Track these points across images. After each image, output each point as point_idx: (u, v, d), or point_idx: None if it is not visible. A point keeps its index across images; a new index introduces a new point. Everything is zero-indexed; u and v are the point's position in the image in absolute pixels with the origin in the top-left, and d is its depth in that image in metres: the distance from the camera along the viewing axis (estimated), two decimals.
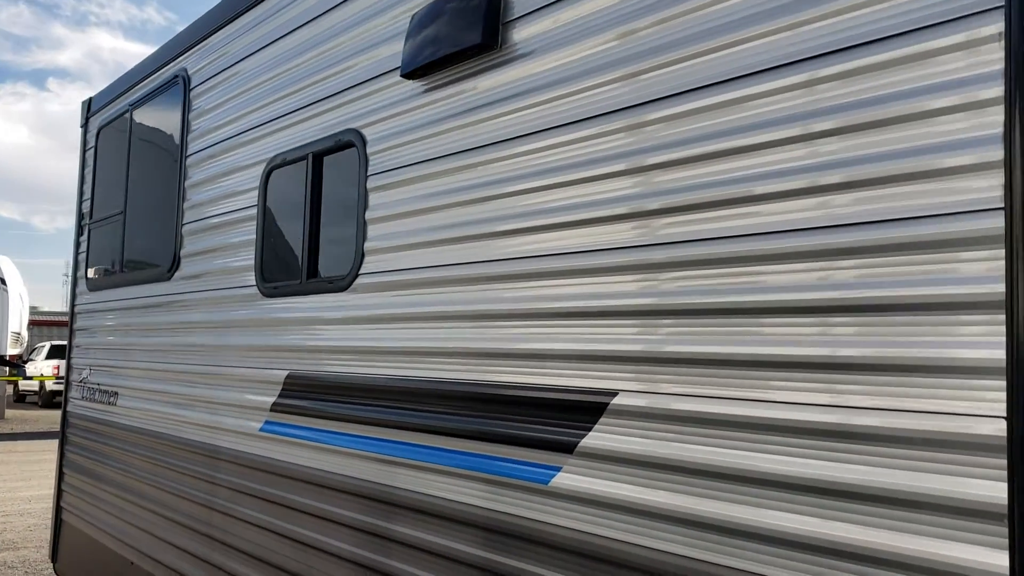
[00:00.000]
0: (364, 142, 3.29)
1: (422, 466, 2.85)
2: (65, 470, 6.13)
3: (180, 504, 4.33)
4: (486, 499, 2.57)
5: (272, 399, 3.67)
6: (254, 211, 3.97)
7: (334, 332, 3.35)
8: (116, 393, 5.32)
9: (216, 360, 4.15)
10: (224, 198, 4.27)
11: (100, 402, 5.55)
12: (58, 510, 6.16)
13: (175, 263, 4.67)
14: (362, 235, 3.25)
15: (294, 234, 3.69)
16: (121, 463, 5.12)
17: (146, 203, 5.24)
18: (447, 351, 2.79)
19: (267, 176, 3.89)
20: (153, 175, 5.20)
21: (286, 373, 3.60)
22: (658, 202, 2.18)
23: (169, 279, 4.72)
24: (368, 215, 3.24)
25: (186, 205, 4.65)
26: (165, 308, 4.74)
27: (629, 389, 2.18)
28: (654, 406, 2.13)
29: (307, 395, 3.47)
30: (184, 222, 4.65)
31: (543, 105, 2.57)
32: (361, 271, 3.23)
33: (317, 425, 3.39)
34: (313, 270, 3.55)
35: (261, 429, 3.74)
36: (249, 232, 3.99)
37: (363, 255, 3.23)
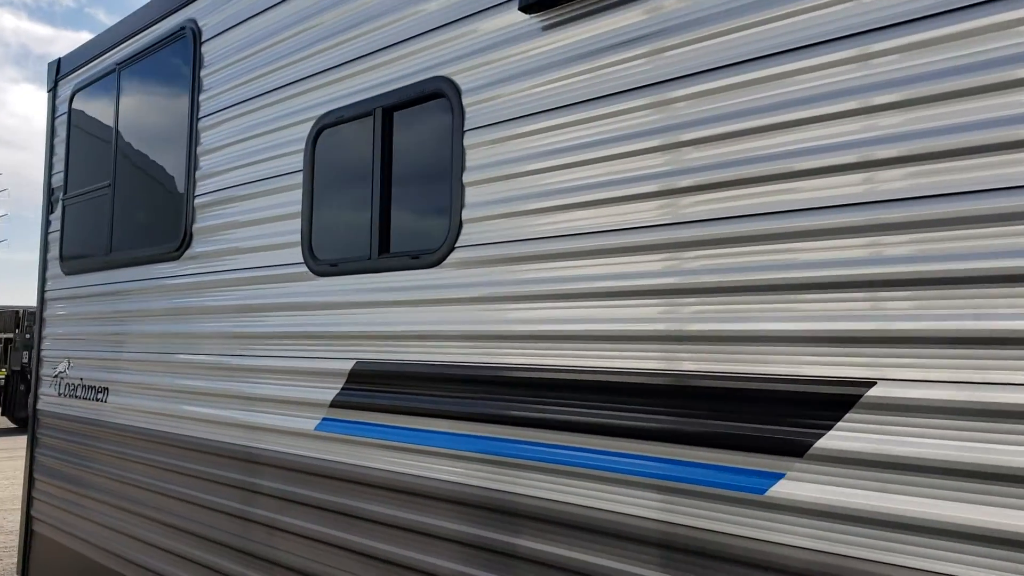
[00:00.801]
0: (458, 91, 2.82)
1: (556, 469, 2.41)
2: (36, 475, 5.46)
3: (200, 514, 3.79)
4: (666, 511, 2.14)
5: (332, 393, 3.17)
6: (298, 177, 3.44)
7: (422, 314, 2.87)
8: (106, 389, 4.71)
9: (249, 350, 3.61)
10: (252, 164, 3.72)
11: (84, 399, 4.92)
12: (28, 519, 5.49)
13: (185, 240, 4.10)
14: (459, 201, 2.77)
15: (357, 203, 3.19)
16: (113, 468, 4.52)
17: (142, 174, 4.63)
18: (607, 335, 2.34)
19: (315, 136, 3.37)
20: (151, 142, 4.60)
21: (352, 363, 3.10)
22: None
23: (177, 259, 4.14)
24: (467, 177, 2.77)
25: (199, 174, 4.08)
26: (173, 292, 4.16)
27: (892, 378, 1.78)
28: (924, 397, 1.74)
29: (385, 388, 2.98)
30: (197, 193, 4.08)
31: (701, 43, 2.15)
32: (459, 243, 2.76)
33: (401, 423, 2.91)
34: (385, 244, 3.06)
35: (318, 428, 3.23)
36: (291, 202, 3.47)
37: (460, 224, 2.76)
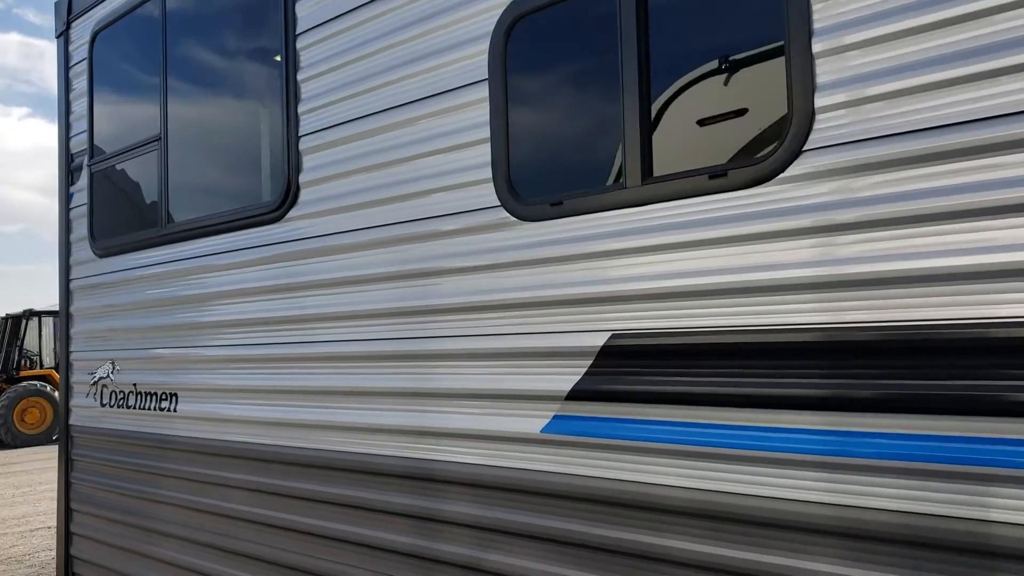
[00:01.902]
0: None
1: None
2: (74, 506, 4.46)
3: (341, 554, 2.86)
4: None
5: (571, 381, 2.25)
6: (480, 91, 2.51)
7: (736, 256, 1.96)
8: (172, 395, 3.73)
9: (414, 330, 2.67)
10: (395, 82, 2.77)
11: (139, 410, 3.93)
12: (67, 560, 4.48)
13: (289, 195, 3.13)
14: (804, 81, 1.87)
15: (590, 118, 2.27)
16: (192, 494, 3.56)
17: (207, 120, 3.64)
18: None
19: (507, 32, 2.43)
20: (219, 78, 3.61)
21: (605, 337, 2.19)
22: None
23: (279, 220, 3.17)
24: (821, 43, 1.86)
25: (303, 108, 3.11)
26: (274, 263, 3.20)
27: None
28: None
29: (669, 368, 2.07)
30: (302, 132, 3.11)
31: None
32: (809, 144, 1.86)
33: (710, 418, 2.00)
34: (648, 167, 2.14)
35: (545, 430, 2.32)
36: (469, 125, 2.53)
37: (811, 116, 1.86)
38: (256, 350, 3.27)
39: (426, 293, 2.63)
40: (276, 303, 3.18)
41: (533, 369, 2.34)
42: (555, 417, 2.29)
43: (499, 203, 2.44)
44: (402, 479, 2.67)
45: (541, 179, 2.39)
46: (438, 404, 2.58)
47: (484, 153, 2.48)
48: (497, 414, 2.43)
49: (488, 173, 2.47)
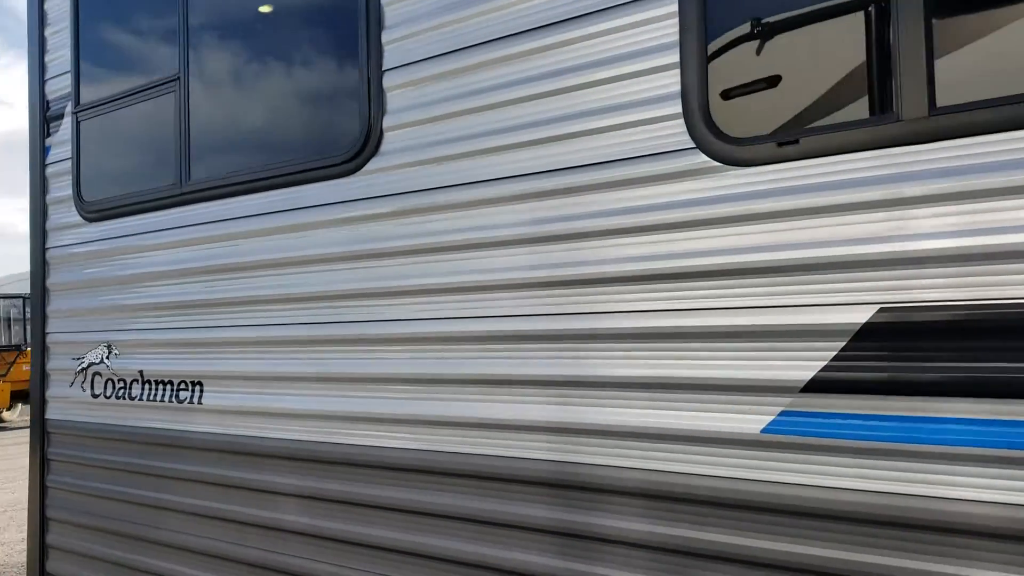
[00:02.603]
0: None
1: None
2: (51, 515, 3.77)
3: None
4: None
5: (812, 368, 1.78)
6: (667, 1, 2.00)
7: None
8: (196, 385, 3.11)
9: (565, 305, 2.15)
10: None
11: (147, 402, 3.29)
12: None
13: (369, 142, 2.56)
14: None
15: (836, 31, 1.79)
16: (224, 506, 2.96)
17: (248, 52, 3.03)
18: None
19: None
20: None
21: (870, 311, 1.72)
22: None
23: (356, 172, 2.60)
24: None
25: (387, 33, 2.54)
26: (347, 225, 2.62)
27: None
28: None
29: (988, 353, 1.62)
30: (387, 66, 2.54)
31: None
32: None
33: None
34: (931, 95, 1.67)
35: (769, 429, 1.84)
36: (655, 47, 2.02)
37: None
38: (316, 330, 2.69)
39: (580, 258, 2.11)
40: (352, 273, 2.60)
41: (750, 355, 1.86)
42: (782, 414, 1.81)
43: (693, 144, 1.94)
44: (546, 487, 2.15)
45: (753, 114, 1.90)
46: (597, 395, 2.07)
47: (670, 81, 1.98)
48: (689, 410, 1.93)
49: (676, 106, 1.97)
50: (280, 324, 2.80)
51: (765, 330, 1.83)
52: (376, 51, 2.56)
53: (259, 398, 2.86)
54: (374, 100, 2.55)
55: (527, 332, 2.19)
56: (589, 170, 2.10)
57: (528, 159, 2.21)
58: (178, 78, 3.18)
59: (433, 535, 2.38)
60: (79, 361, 3.63)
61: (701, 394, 1.92)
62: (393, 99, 2.53)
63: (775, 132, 1.84)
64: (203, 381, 3.08)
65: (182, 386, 3.16)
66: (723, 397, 1.89)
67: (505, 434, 2.23)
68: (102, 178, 3.56)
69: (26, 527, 5.97)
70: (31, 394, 3.92)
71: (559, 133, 2.15)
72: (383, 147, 2.54)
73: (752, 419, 1.85)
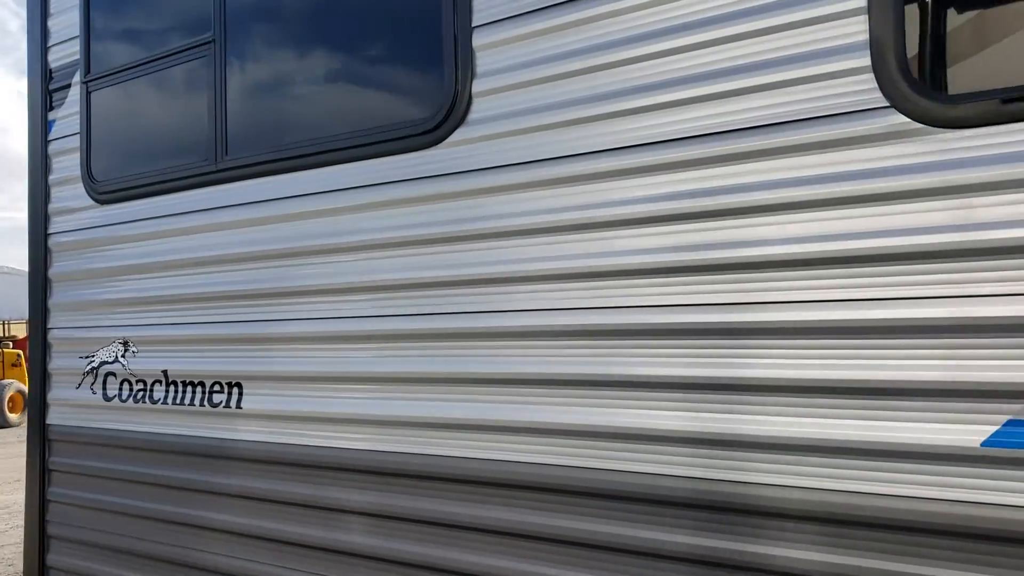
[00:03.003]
0: None
1: None
2: (53, 531, 3.37)
3: None
4: None
5: None
6: None
7: None
8: (235, 387, 2.75)
9: (711, 295, 1.84)
10: None
11: (175, 406, 2.92)
12: None
13: (453, 110, 2.24)
14: None
15: None
16: (273, 525, 2.61)
17: (297, 10, 2.68)
18: None
19: None
20: None
21: None
22: None
23: (436, 143, 2.27)
24: None
25: None
26: (427, 203, 2.29)
27: None
28: None
29: None
30: (477, 22, 2.22)
31: None
32: None
33: None
34: None
35: (988, 443, 1.54)
36: None
37: None
38: (389, 325, 2.35)
39: (733, 238, 1.80)
40: (431, 258, 2.27)
41: (968, 352, 1.56)
42: (1009, 423, 1.52)
43: (887, 103, 1.64)
44: (684, 508, 1.84)
45: (964, 68, 1.61)
46: (749, 399, 1.77)
47: (856, 30, 1.68)
48: (888, 419, 1.64)
49: (865, 59, 1.67)
50: (345, 317, 2.46)
51: (991, 324, 1.53)
52: (464, 3, 2.23)
53: (319, 402, 2.52)
54: (461, 61, 2.23)
55: (664, 326, 1.88)
56: (747, 135, 1.79)
57: (664, 124, 1.90)
58: (213, 40, 2.82)
59: (552, 565, 2.05)
60: (88, 360, 3.24)
61: (903, 401, 1.62)
62: (484, 60, 2.21)
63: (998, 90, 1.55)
64: (242, 382, 2.73)
65: (216, 388, 2.80)
66: (933, 404, 1.59)
67: (639, 446, 1.91)
68: (117, 155, 3.19)
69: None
70: (31, 397, 3.52)
71: (708, 92, 1.85)
72: (473, 112, 2.22)
73: (971, 430, 1.55)
